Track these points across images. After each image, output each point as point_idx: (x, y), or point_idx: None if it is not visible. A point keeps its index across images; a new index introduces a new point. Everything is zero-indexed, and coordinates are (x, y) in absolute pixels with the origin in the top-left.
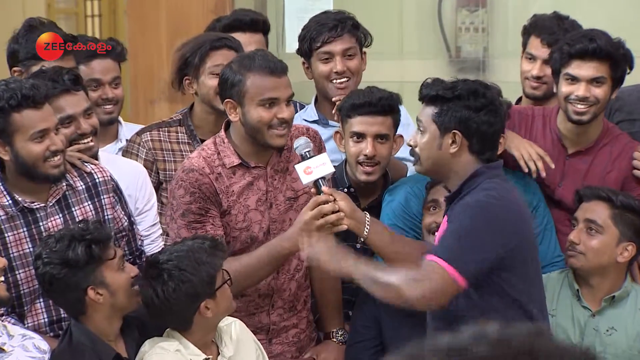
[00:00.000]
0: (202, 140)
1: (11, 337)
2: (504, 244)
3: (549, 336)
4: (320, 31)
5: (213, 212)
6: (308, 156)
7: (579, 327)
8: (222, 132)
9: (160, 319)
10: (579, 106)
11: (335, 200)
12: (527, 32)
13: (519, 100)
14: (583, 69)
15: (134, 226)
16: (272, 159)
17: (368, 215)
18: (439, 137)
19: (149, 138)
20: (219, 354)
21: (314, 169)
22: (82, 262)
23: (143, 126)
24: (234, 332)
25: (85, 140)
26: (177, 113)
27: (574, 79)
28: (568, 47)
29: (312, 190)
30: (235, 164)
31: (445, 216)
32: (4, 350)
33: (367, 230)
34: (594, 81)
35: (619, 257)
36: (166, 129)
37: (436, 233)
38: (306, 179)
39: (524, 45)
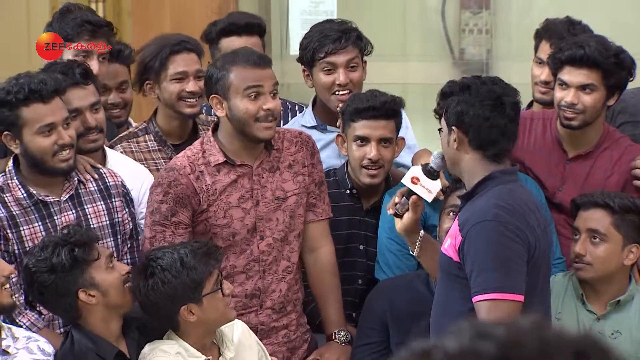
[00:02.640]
0: (173, 145)
1: (16, 340)
2: (527, 250)
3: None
4: (324, 42)
5: (179, 217)
6: (429, 171)
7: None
8: (209, 132)
9: (146, 313)
10: (567, 112)
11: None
12: (539, 36)
13: (530, 104)
14: (573, 75)
15: (139, 236)
16: (260, 157)
17: (422, 233)
18: (447, 134)
19: (121, 150)
20: (220, 355)
21: (420, 185)
22: (67, 267)
23: None
24: (236, 333)
25: (92, 137)
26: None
27: (564, 85)
28: (560, 54)
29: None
30: (220, 162)
31: (456, 221)
32: (8, 352)
33: (417, 250)
34: (584, 88)
35: (625, 260)
36: (134, 139)
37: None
38: (408, 183)
39: (536, 49)
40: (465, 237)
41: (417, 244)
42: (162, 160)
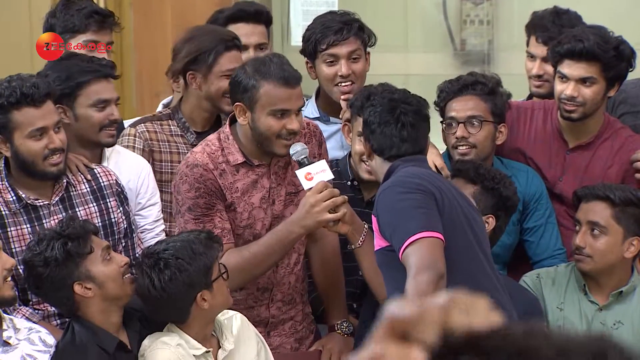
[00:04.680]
0: (196, 132)
1: (17, 331)
2: (434, 200)
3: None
4: (326, 34)
5: (219, 207)
6: (306, 162)
7: (587, 321)
8: (226, 128)
9: (156, 310)
10: (567, 105)
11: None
12: (527, 30)
13: (530, 97)
14: (572, 68)
15: (134, 234)
16: (275, 157)
17: (366, 227)
18: (362, 143)
19: (144, 129)
20: (219, 347)
21: (314, 175)
22: (60, 260)
23: None
24: (235, 325)
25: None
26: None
27: (564, 78)
28: (559, 47)
29: None
30: (239, 162)
31: (374, 216)
32: (9, 343)
33: (361, 241)
34: (584, 81)
35: (625, 253)
36: (158, 122)
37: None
38: (308, 184)
39: (527, 43)
40: (377, 216)
41: (362, 234)
42: (183, 145)
